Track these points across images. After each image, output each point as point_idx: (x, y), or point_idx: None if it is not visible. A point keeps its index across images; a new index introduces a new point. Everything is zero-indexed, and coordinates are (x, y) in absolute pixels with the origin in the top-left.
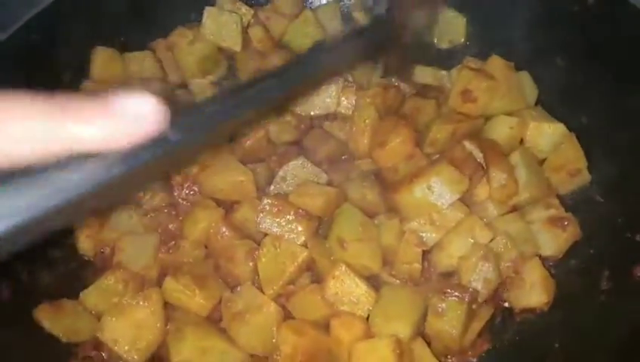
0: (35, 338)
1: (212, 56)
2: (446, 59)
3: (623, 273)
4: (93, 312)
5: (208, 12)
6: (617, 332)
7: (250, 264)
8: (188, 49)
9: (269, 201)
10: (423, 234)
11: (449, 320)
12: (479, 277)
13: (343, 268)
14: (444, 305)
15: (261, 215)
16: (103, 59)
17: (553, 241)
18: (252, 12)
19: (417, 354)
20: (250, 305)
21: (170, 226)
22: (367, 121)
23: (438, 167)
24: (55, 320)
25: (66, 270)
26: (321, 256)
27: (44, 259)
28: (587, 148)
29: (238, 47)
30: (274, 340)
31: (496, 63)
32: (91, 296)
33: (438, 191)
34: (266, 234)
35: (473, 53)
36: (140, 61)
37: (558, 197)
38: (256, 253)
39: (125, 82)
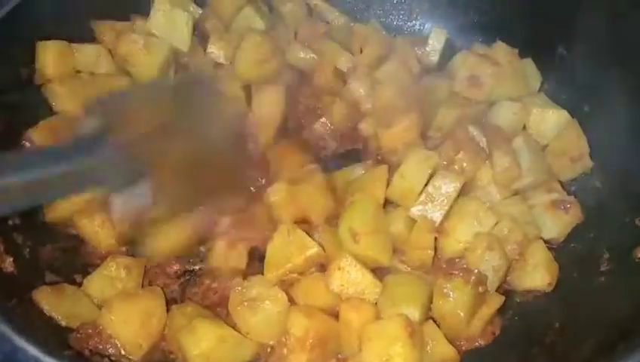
0: (35, 312)
1: (168, 59)
2: None
3: (623, 255)
4: (95, 299)
5: (158, 5)
6: (616, 312)
7: None
8: (145, 58)
9: None
10: (429, 215)
11: (454, 301)
12: (488, 267)
13: (349, 259)
14: (449, 285)
15: None
16: (53, 54)
17: (556, 224)
18: (200, 11)
19: (429, 336)
20: (260, 294)
21: None
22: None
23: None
24: (55, 303)
25: (67, 245)
26: (330, 245)
27: (45, 235)
28: (589, 134)
29: (186, 47)
30: (280, 329)
31: (501, 49)
32: (94, 283)
33: (410, 175)
34: None
35: (478, 39)
36: (94, 54)
37: (560, 182)
38: None
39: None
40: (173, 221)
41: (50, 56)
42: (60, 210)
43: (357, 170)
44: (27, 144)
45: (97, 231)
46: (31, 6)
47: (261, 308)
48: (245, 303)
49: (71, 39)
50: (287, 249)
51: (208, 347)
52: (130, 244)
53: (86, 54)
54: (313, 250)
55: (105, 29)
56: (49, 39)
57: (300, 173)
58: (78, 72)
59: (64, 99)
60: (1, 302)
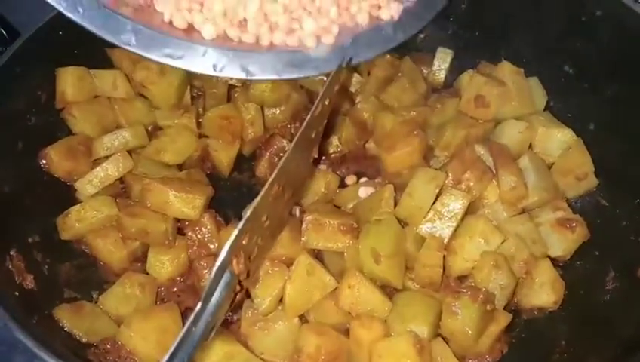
0: (55, 328)
1: (184, 82)
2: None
3: (628, 273)
4: (111, 315)
5: None
6: (622, 330)
7: None
8: (161, 83)
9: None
10: (437, 233)
11: (463, 318)
12: (496, 285)
13: (359, 277)
14: (457, 303)
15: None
16: (72, 79)
17: (562, 242)
18: None
19: (438, 353)
20: (273, 315)
21: None
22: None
23: (413, 172)
24: (74, 320)
25: (83, 263)
26: (352, 265)
27: (63, 253)
28: (594, 153)
29: None
30: (293, 348)
31: (506, 69)
32: (110, 300)
33: (418, 194)
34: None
35: (484, 58)
36: (111, 79)
37: (566, 200)
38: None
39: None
40: None
41: (69, 81)
42: (74, 229)
43: (365, 189)
44: (43, 161)
45: (111, 250)
46: (49, 33)
47: (273, 329)
48: (258, 324)
49: (89, 65)
50: (308, 290)
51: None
52: (142, 262)
53: (104, 80)
54: (334, 286)
55: (121, 55)
56: (68, 65)
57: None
58: (97, 96)
59: (83, 122)
60: (24, 318)
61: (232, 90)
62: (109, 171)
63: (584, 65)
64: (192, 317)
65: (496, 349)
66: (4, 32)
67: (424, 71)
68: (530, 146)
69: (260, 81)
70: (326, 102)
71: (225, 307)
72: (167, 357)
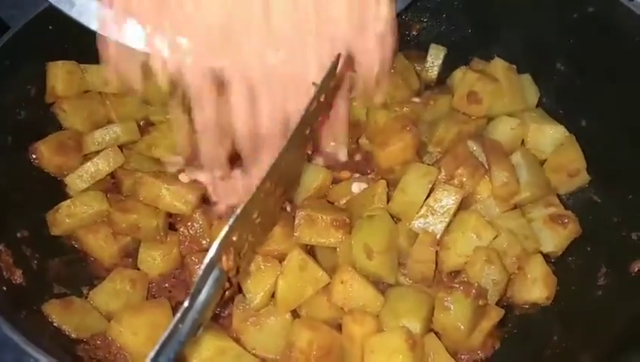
0: (44, 323)
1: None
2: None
3: (620, 269)
4: (102, 312)
5: None
6: (613, 326)
7: None
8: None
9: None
10: (430, 228)
11: (455, 314)
12: (488, 281)
13: (351, 273)
14: (450, 298)
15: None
16: (63, 74)
17: (554, 238)
18: None
19: (430, 348)
20: (265, 311)
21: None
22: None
23: (406, 168)
24: (64, 316)
25: (73, 258)
26: (345, 260)
27: (52, 248)
28: (586, 149)
29: None
30: (285, 343)
31: (499, 66)
32: (100, 295)
33: (410, 189)
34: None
35: (477, 54)
36: (102, 75)
37: (558, 196)
38: None
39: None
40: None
41: (60, 75)
42: (65, 224)
43: (358, 184)
44: (33, 156)
45: (102, 245)
46: (39, 27)
47: (265, 324)
48: (250, 320)
49: (80, 60)
50: (300, 285)
51: (208, 357)
52: (134, 257)
53: (94, 74)
54: (326, 281)
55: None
56: (59, 60)
57: None
58: (87, 91)
59: (73, 117)
60: (12, 313)
61: None
62: (100, 166)
63: (576, 61)
64: (179, 314)
65: (489, 344)
66: None
67: (417, 67)
68: (522, 142)
69: None
70: (321, 99)
71: (213, 304)
72: (152, 354)
